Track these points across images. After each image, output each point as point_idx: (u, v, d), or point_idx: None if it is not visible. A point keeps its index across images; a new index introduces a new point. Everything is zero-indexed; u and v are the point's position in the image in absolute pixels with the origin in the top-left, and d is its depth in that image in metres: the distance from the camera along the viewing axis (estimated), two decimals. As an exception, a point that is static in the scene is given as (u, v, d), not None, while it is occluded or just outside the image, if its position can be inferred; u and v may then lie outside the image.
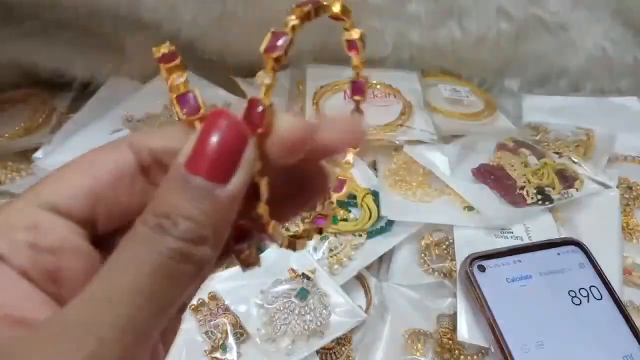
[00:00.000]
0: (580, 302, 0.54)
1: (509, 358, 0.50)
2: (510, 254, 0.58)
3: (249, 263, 0.27)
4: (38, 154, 0.68)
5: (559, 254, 0.58)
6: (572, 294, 0.55)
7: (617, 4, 0.76)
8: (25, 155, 0.69)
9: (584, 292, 0.55)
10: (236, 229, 0.25)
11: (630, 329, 0.53)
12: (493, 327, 0.52)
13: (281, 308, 0.54)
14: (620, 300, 0.55)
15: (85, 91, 0.76)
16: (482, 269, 0.55)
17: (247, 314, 0.55)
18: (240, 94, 0.74)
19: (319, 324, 0.54)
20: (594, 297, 0.55)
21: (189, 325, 0.54)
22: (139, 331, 0.21)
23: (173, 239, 0.22)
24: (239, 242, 0.26)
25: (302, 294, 0.55)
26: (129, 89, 0.74)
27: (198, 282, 0.23)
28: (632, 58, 0.77)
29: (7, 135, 0.71)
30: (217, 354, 0.53)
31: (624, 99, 0.81)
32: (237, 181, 0.22)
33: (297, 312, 0.54)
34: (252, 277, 0.56)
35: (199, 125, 0.23)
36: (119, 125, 0.70)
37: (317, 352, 0.54)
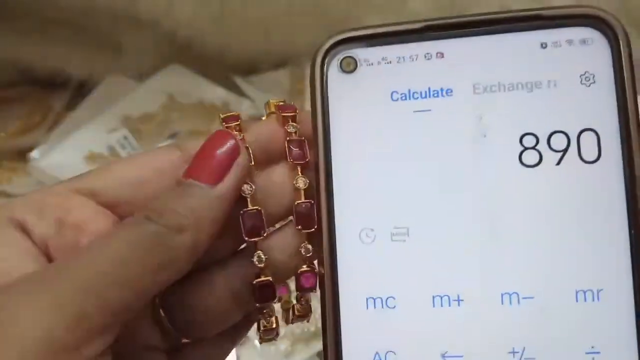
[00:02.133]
0: (540, 162, 0.26)
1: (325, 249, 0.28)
2: (421, 36, 0.28)
3: (268, 331, 0.29)
4: (34, 154, 0.68)
5: (544, 45, 0.27)
6: (531, 142, 0.26)
7: (620, 2, 0.76)
8: (22, 155, 0.69)
9: (559, 141, 0.26)
10: (261, 287, 0.27)
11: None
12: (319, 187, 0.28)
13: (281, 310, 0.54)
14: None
15: (82, 90, 0.75)
16: (349, 66, 0.28)
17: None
18: (239, 92, 0.74)
19: (319, 326, 0.53)
20: (584, 154, 0.26)
21: (188, 327, 0.53)
22: (100, 299, 0.22)
23: (155, 225, 0.24)
24: (262, 301, 0.28)
25: (303, 295, 0.54)
26: (125, 87, 0.74)
27: (172, 275, 0.25)
28: (638, 56, 0.77)
29: (3, 134, 0.71)
30: (217, 356, 0.52)
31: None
32: (226, 183, 0.26)
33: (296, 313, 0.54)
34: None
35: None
36: (116, 124, 0.69)
37: (318, 354, 0.54)
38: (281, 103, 0.29)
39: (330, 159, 0.28)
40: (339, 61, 0.28)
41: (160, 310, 0.28)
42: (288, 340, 0.53)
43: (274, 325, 0.29)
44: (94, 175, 0.27)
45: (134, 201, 0.27)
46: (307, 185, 0.28)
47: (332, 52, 0.28)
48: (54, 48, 0.74)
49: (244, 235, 0.27)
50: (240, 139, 0.27)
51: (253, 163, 0.27)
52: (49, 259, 0.25)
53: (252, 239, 0.27)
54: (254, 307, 0.28)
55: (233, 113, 0.29)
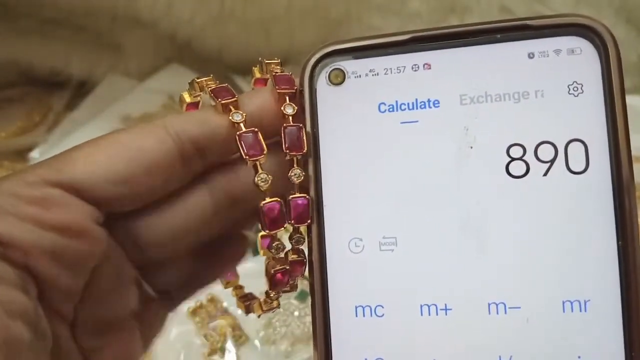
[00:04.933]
0: (527, 172, 0.26)
1: (315, 258, 0.28)
2: (408, 47, 0.28)
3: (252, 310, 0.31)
4: (34, 154, 0.68)
5: (531, 55, 0.27)
6: (518, 152, 0.26)
7: (620, 2, 0.75)
8: (22, 155, 0.69)
9: (546, 152, 0.26)
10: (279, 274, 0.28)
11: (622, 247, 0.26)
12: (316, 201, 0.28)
13: (280, 310, 0.54)
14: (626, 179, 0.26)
15: (82, 90, 0.75)
16: (337, 78, 0.28)
17: (246, 316, 0.54)
18: (238, 92, 0.74)
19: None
20: (572, 165, 0.26)
21: (187, 328, 0.53)
22: None
23: None
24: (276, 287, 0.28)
25: (302, 296, 0.54)
26: (125, 87, 0.74)
27: None
28: (637, 56, 0.77)
29: (3, 134, 0.70)
30: (216, 357, 0.52)
31: (629, 97, 0.79)
32: None
33: (296, 313, 0.54)
34: (251, 278, 0.56)
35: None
36: (116, 124, 0.69)
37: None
38: (277, 71, 0.28)
39: (320, 170, 0.28)
40: (327, 73, 0.28)
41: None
42: (288, 340, 0.53)
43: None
44: (75, 164, 0.25)
45: (120, 199, 0.26)
46: (301, 179, 0.27)
47: (321, 65, 0.28)
48: (54, 48, 0.74)
49: (265, 227, 0.26)
50: (243, 121, 0.26)
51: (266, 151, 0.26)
52: (26, 266, 0.24)
53: (273, 231, 0.27)
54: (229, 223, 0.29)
55: (220, 84, 0.28)
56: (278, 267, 0.28)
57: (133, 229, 0.27)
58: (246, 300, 0.32)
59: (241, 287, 0.31)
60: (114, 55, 0.76)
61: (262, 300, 0.31)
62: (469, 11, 0.75)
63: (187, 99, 0.30)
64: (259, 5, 0.70)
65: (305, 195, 0.27)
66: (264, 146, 0.26)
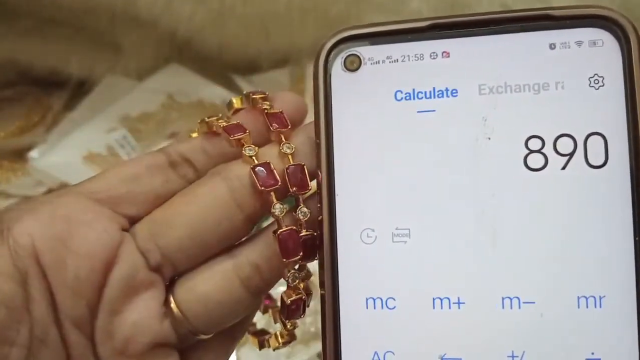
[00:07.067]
0: (545, 165, 0.26)
1: (326, 248, 0.27)
2: (427, 35, 0.27)
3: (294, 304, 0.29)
4: (33, 154, 0.68)
5: (552, 46, 0.26)
6: (536, 145, 0.26)
7: (621, 2, 0.75)
8: (21, 155, 0.69)
9: (565, 145, 0.26)
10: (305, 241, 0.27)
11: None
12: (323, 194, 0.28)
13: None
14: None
15: (81, 90, 0.75)
16: (353, 64, 0.28)
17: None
18: (239, 91, 0.74)
19: (319, 327, 0.53)
20: (591, 158, 0.26)
21: (188, 329, 0.53)
22: None
23: None
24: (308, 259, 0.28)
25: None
26: (125, 87, 0.74)
27: None
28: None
29: (2, 134, 0.70)
30: (216, 358, 0.52)
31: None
32: None
33: (296, 314, 0.53)
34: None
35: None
36: (115, 124, 0.69)
37: (318, 355, 0.53)
38: (267, 107, 0.29)
39: (333, 158, 0.27)
40: (343, 59, 0.28)
41: (173, 304, 0.28)
42: (288, 341, 0.53)
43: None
44: (92, 178, 0.28)
45: (133, 196, 0.28)
46: (307, 217, 0.27)
47: (336, 50, 0.28)
48: (53, 47, 0.73)
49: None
50: (255, 155, 0.28)
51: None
52: (34, 251, 0.26)
53: (289, 260, 0.27)
54: (265, 295, 0.30)
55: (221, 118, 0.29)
56: (294, 297, 0.28)
57: (149, 227, 0.28)
58: (259, 336, 0.32)
59: (254, 324, 0.31)
60: (113, 55, 0.75)
61: (278, 332, 0.31)
62: (470, 10, 0.75)
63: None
64: (259, 4, 0.70)
65: (312, 232, 0.27)
66: (278, 178, 0.27)
